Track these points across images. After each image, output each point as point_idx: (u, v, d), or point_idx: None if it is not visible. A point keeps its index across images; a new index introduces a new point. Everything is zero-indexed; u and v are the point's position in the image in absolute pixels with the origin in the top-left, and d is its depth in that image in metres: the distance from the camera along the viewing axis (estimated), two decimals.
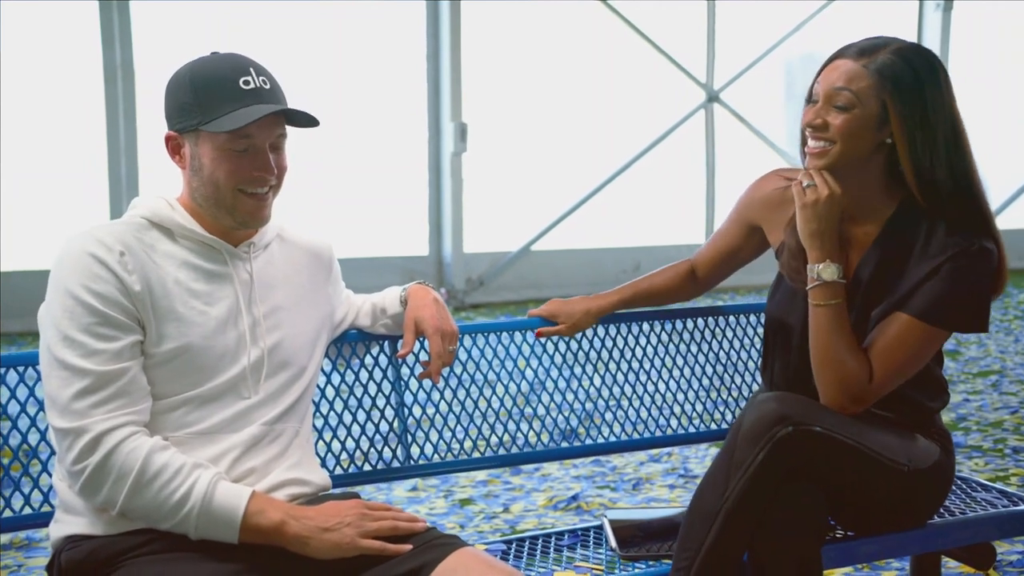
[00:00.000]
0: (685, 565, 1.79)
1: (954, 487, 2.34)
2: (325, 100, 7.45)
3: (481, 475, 3.80)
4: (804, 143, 1.97)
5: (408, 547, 1.60)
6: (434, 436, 2.13)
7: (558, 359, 2.28)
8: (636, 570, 1.94)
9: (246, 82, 1.64)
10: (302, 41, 7.44)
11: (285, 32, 7.36)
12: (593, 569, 1.94)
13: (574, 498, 3.50)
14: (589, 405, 2.32)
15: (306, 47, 7.45)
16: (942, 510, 2.19)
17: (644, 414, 2.32)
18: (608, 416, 2.31)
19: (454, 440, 2.14)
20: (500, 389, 2.23)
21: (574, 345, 2.26)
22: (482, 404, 2.20)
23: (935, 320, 1.87)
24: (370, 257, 7.49)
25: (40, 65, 6.74)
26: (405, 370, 2.11)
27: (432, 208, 7.92)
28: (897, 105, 1.85)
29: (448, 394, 2.15)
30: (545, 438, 2.25)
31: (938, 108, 1.86)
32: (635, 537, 2.03)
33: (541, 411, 2.29)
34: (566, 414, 2.29)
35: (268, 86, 1.66)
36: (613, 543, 2.01)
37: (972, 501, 2.26)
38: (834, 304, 1.90)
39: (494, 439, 2.21)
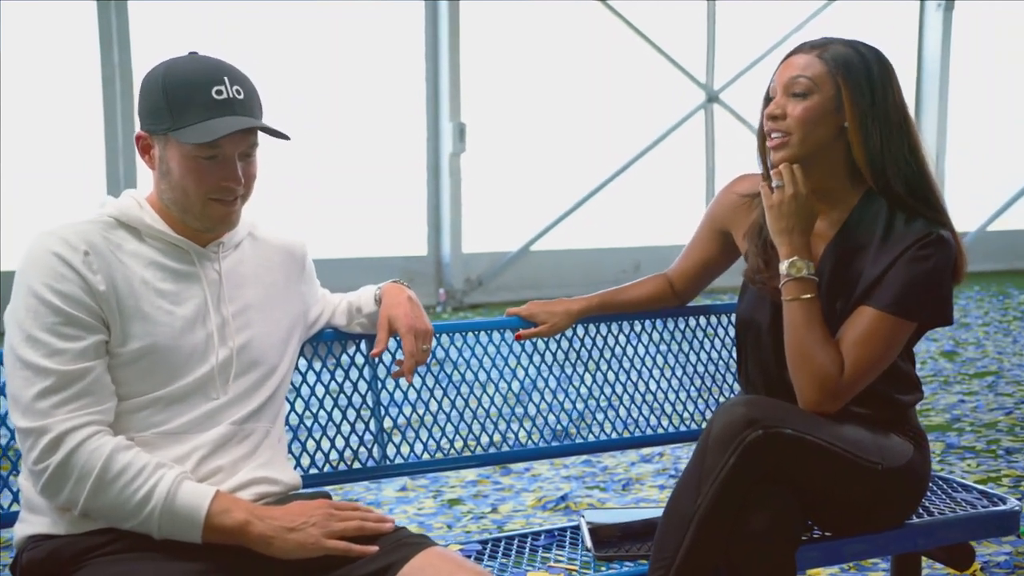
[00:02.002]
0: (661, 574, 1.79)
1: (935, 487, 2.33)
2: (324, 100, 7.47)
3: (471, 475, 3.80)
4: (762, 146, 2.00)
5: (374, 549, 1.59)
6: (411, 435, 2.12)
7: (538, 359, 2.27)
8: (611, 570, 1.93)
9: (219, 91, 1.61)
10: (300, 42, 7.44)
11: (283, 33, 7.36)
12: (567, 569, 1.93)
13: (563, 498, 3.49)
14: (580, 404, 2.31)
15: (305, 48, 7.45)
16: (922, 511, 2.18)
17: (633, 413, 2.31)
18: (600, 416, 2.30)
19: (431, 440, 2.13)
20: (478, 388, 2.22)
21: (564, 344, 2.25)
22: (459, 404, 2.19)
23: (901, 312, 1.88)
24: (368, 257, 7.51)
25: (38, 66, 6.75)
26: (382, 369, 2.11)
27: (431, 208, 7.93)
28: (850, 86, 1.90)
29: (425, 393, 2.15)
30: (524, 437, 2.24)
31: (888, 95, 1.92)
32: (612, 538, 2.02)
33: (522, 411, 2.28)
34: (547, 413, 2.28)
35: (242, 96, 1.63)
36: (589, 543, 2.00)
37: (952, 502, 2.25)
38: (805, 299, 1.90)
39: (471, 439, 2.20)
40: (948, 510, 2.19)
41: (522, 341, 2.20)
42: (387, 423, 2.13)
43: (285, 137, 1.65)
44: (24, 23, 6.67)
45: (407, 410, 2.15)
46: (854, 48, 1.94)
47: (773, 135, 1.94)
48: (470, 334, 2.20)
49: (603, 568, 1.94)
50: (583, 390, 2.31)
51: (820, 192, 1.97)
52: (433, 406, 2.15)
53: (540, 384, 2.28)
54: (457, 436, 2.16)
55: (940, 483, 2.36)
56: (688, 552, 1.76)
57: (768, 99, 1.98)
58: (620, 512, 2.15)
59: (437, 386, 2.16)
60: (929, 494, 2.29)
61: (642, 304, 2.29)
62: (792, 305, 1.91)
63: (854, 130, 1.91)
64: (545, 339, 2.23)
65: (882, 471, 1.89)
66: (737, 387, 2.43)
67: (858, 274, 1.93)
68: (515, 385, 2.30)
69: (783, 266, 1.92)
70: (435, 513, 3.41)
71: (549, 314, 2.18)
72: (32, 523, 1.61)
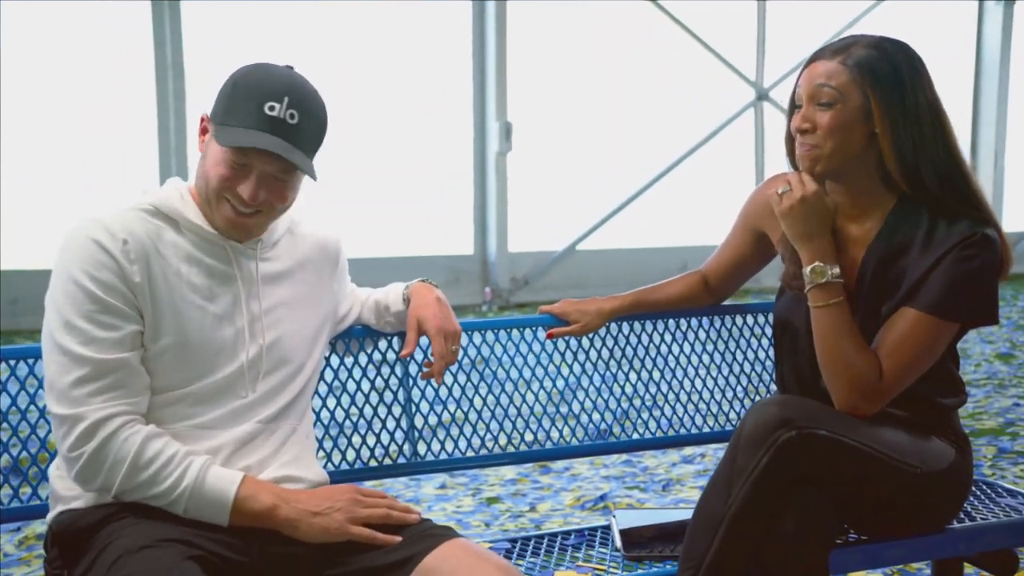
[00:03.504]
0: (690, 574, 1.77)
1: (979, 492, 2.28)
2: (371, 99, 7.51)
3: (510, 474, 3.80)
4: (791, 151, 1.96)
5: (398, 539, 1.59)
6: (441, 433, 2.12)
7: (570, 357, 2.26)
8: (639, 571, 1.91)
9: (271, 107, 1.60)
10: (349, 41, 7.49)
11: (332, 32, 7.42)
12: (595, 569, 1.91)
13: (602, 498, 3.47)
14: (613, 404, 2.29)
15: (353, 48, 7.50)
16: (963, 515, 2.13)
17: (667, 412, 2.29)
18: (634, 415, 2.28)
19: (461, 437, 2.12)
20: (510, 386, 2.20)
21: (598, 343, 2.23)
22: (491, 402, 2.18)
23: (943, 313, 1.83)
24: (415, 256, 7.54)
25: (94, 65, 6.88)
26: (413, 367, 2.10)
27: (477, 207, 7.94)
28: (878, 93, 1.83)
29: (457, 391, 2.14)
30: (556, 435, 2.22)
31: (919, 95, 1.85)
32: (642, 538, 2.00)
33: (554, 409, 2.26)
34: (580, 412, 2.26)
35: (294, 120, 1.61)
36: (618, 543, 1.99)
37: (997, 507, 2.19)
38: (833, 304, 1.86)
39: (503, 437, 2.19)
40: (991, 515, 2.13)
41: (555, 340, 2.19)
42: (419, 421, 2.13)
43: (312, 177, 1.64)
44: (80, 22, 6.80)
45: (438, 408, 2.14)
46: (879, 49, 1.85)
47: (802, 147, 1.89)
48: (502, 331, 2.19)
49: (632, 568, 1.92)
50: (616, 389, 2.29)
51: (853, 200, 1.92)
52: (465, 404, 2.14)
53: (572, 382, 2.26)
54: (488, 434, 2.15)
55: (984, 487, 2.31)
56: (717, 553, 1.73)
57: (794, 105, 1.92)
58: (652, 513, 2.13)
59: (469, 383, 2.15)
60: (973, 499, 2.24)
61: (676, 303, 2.26)
62: (820, 312, 1.87)
63: (885, 138, 1.84)
64: (578, 337, 2.21)
65: (921, 475, 1.84)
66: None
67: (901, 276, 1.88)
68: (547, 383, 2.28)
69: (805, 272, 1.89)
70: (473, 511, 3.41)
71: (581, 313, 2.17)
72: (60, 506, 1.65)
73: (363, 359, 2.08)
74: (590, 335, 2.22)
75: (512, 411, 2.18)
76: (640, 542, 1.99)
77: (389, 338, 2.06)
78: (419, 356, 2.03)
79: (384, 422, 2.10)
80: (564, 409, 2.25)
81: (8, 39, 6.61)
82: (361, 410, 2.07)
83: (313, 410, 1.90)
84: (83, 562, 1.56)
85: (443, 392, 2.13)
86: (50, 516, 1.67)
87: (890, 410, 1.89)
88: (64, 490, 1.63)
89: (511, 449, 2.18)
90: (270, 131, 1.60)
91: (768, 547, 1.75)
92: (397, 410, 2.11)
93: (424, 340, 1.92)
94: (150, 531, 1.53)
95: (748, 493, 1.72)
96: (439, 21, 7.77)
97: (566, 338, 2.20)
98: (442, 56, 7.80)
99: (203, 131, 1.68)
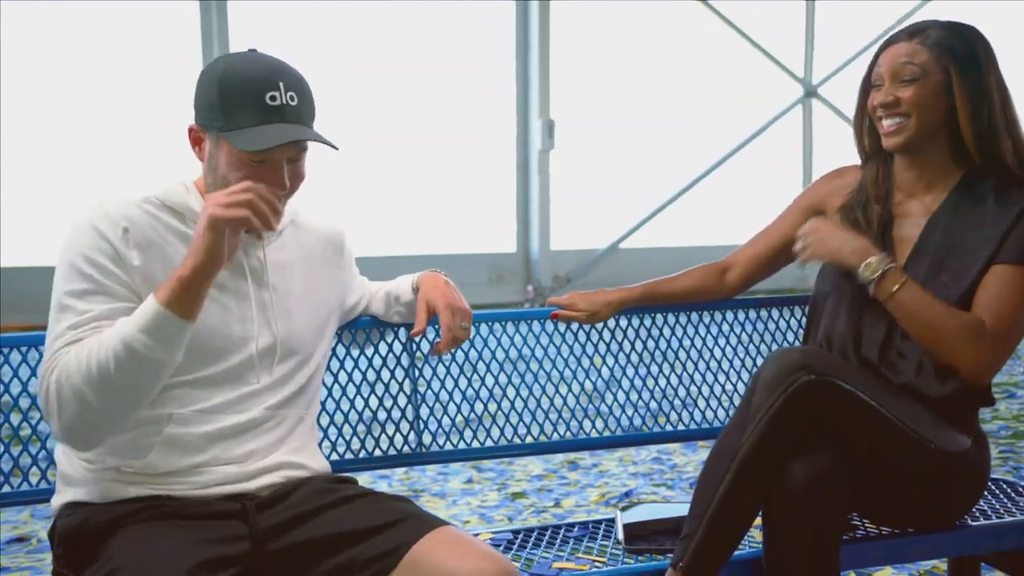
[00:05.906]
0: (699, 513, 1.76)
1: (999, 491, 2.23)
2: (416, 98, 7.55)
3: (537, 469, 3.79)
4: (860, 131, 2.06)
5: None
6: (447, 423, 2.12)
7: (581, 349, 2.24)
8: (640, 562, 1.89)
9: (272, 97, 1.59)
10: (394, 42, 7.55)
11: (376, 31, 7.48)
12: (595, 561, 1.90)
13: (627, 495, 3.45)
14: (613, 396, 2.28)
15: (398, 47, 7.56)
16: (979, 514, 2.08)
17: (677, 406, 2.27)
18: (631, 407, 2.26)
19: (467, 429, 2.12)
20: (516, 379, 2.20)
21: (603, 335, 2.22)
22: (496, 392, 2.17)
23: None
24: (458, 254, 7.56)
25: (142, 64, 7.01)
26: (420, 358, 2.11)
27: (520, 205, 7.95)
28: (957, 69, 1.94)
29: (463, 382, 2.14)
30: (560, 429, 2.21)
31: (992, 73, 1.96)
32: (646, 532, 1.98)
33: (551, 401, 2.25)
34: (591, 405, 2.25)
35: (295, 102, 1.61)
36: (620, 536, 1.97)
37: (1015, 505, 2.13)
38: (901, 287, 1.88)
39: (508, 429, 2.18)
40: (1008, 514, 2.08)
41: (561, 325, 2.18)
42: (425, 411, 2.13)
43: (334, 147, 1.64)
44: (129, 22, 6.94)
45: (444, 399, 2.14)
46: (953, 30, 1.97)
47: (886, 122, 1.97)
48: (509, 324, 2.18)
49: (631, 561, 1.90)
50: (621, 382, 2.27)
51: (923, 172, 2.00)
52: (471, 394, 2.14)
53: (578, 374, 2.25)
54: (494, 424, 2.15)
55: (1004, 486, 2.26)
56: (727, 493, 1.72)
57: (869, 86, 2.01)
58: (660, 507, 2.10)
59: (475, 375, 2.15)
60: (992, 498, 2.19)
61: (688, 295, 2.24)
62: (894, 302, 1.89)
63: (963, 111, 1.93)
64: (592, 327, 2.20)
65: (934, 451, 1.82)
66: None
67: (972, 240, 1.93)
68: (551, 374, 2.27)
69: (861, 276, 1.91)
70: (498, 505, 3.41)
71: (590, 303, 2.16)
72: (67, 493, 1.66)
73: (369, 350, 2.08)
74: (598, 327, 2.21)
75: (519, 403, 2.16)
76: (643, 535, 1.97)
77: (396, 329, 2.07)
78: (425, 347, 2.04)
79: (389, 412, 2.10)
80: (570, 401, 2.24)
81: (54, 39, 6.76)
82: (367, 400, 2.07)
83: (320, 402, 1.91)
84: (87, 573, 1.55)
85: (449, 384, 2.13)
86: (56, 502, 1.68)
87: (919, 390, 1.90)
88: (71, 470, 1.65)
89: (517, 441, 2.16)
90: (282, 119, 1.60)
91: (777, 503, 1.74)
92: (402, 400, 2.12)
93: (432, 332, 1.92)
94: (156, 550, 1.51)
95: (762, 432, 1.72)
96: (483, 20, 7.79)
97: (592, 335, 2.19)
98: (486, 55, 7.82)
99: (196, 141, 1.67)
